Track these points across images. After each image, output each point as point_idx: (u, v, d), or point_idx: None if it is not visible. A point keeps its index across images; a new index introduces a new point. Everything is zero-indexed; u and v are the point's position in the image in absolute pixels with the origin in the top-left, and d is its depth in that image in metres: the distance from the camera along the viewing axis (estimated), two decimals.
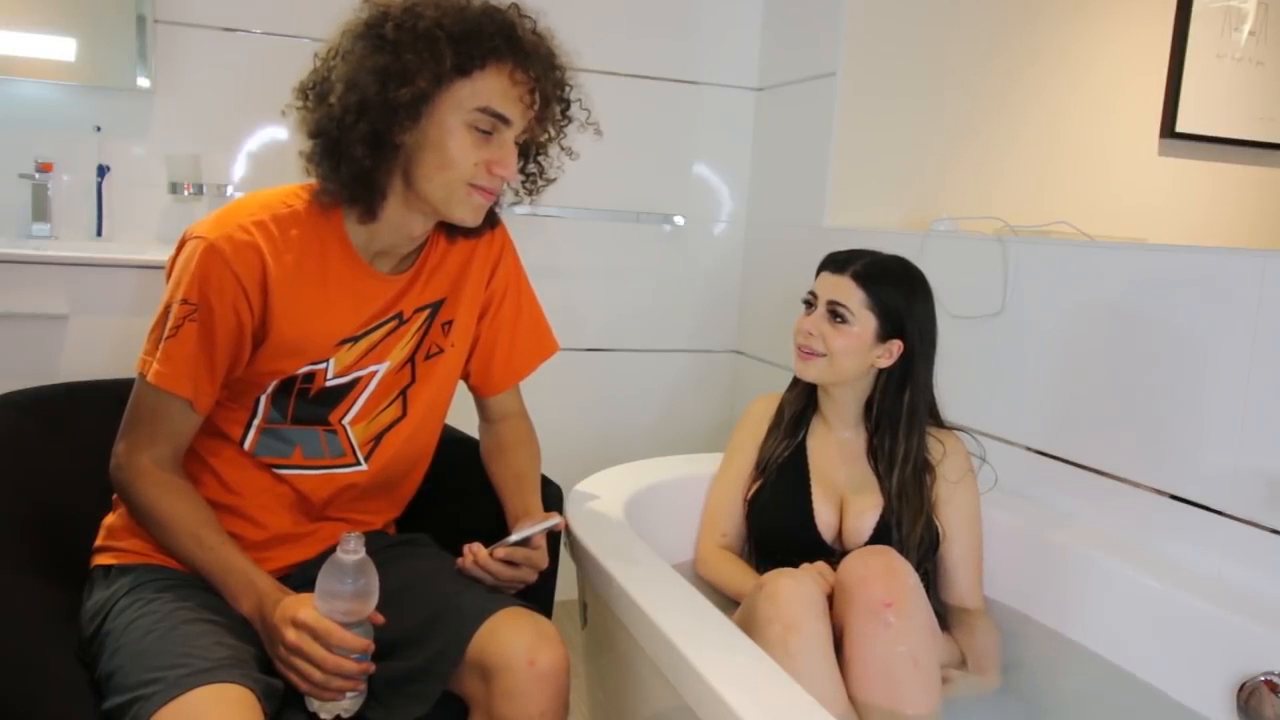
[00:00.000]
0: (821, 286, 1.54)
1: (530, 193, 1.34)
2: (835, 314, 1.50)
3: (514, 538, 1.21)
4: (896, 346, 1.51)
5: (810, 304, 1.54)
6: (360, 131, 1.14)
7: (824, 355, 1.50)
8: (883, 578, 1.30)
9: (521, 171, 1.30)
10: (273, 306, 1.18)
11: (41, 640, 1.12)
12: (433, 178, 1.18)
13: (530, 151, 1.29)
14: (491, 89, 1.16)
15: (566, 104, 1.27)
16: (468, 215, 1.22)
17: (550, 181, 1.33)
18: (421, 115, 1.15)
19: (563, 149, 1.31)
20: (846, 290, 1.50)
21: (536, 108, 1.21)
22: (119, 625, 1.10)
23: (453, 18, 1.14)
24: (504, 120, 1.17)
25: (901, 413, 1.53)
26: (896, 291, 1.51)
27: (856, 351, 1.50)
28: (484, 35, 1.14)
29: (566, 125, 1.29)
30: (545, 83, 1.21)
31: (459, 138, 1.16)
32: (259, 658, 1.09)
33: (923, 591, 1.34)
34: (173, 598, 1.12)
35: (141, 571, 1.18)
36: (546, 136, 1.27)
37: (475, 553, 1.21)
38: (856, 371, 1.52)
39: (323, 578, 1.05)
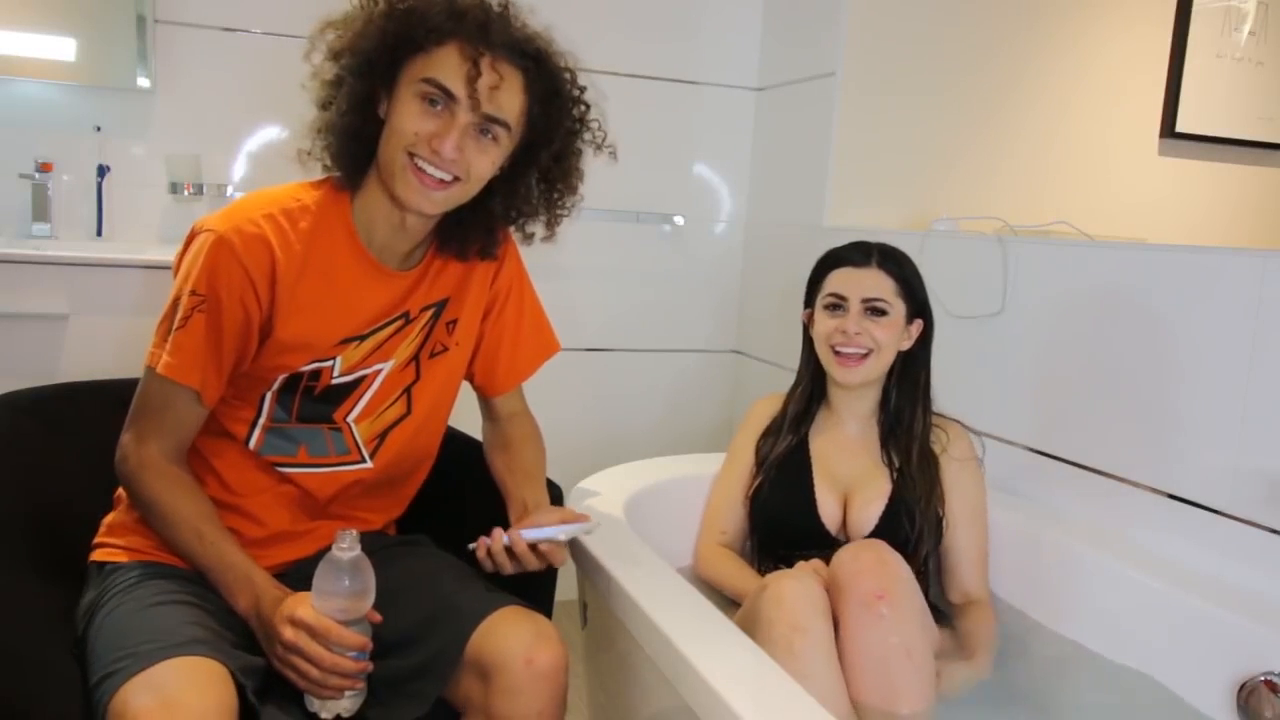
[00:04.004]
0: (846, 285, 1.51)
1: (548, 208, 1.32)
2: (875, 309, 1.49)
3: (556, 533, 1.20)
4: (917, 326, 1.54)
5: (839, 305, 1.51)
6: (346, 96, 1.19)
7: (873, 352, 1.50)
8: (874, 570, 1.31)
9: (517, 182, 1.28)
10: (280, 300, 1.19)
11: (41, 639, 1.12)
12: (385, 148, 1.19)
13: (535, 169, 1.27)
14: (439, 63, 1.16)
15: (567, 102, 1.26)
16: (409, 194, 1.18)
17: (564, 209, 1.32)
18: (392, 91, 1.18)
19: (575, 168, 1.30)
20: (879, 283, 1.50)
21: (505, 100, 1.18)
22: (103, 614, 1.11)
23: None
24: (447, 93, 1.16)
25: (918, 391, 1.55)
26: (913, 273, 1.54)
27: (896, 341, 1.51)
28: (437, 15, 1.16)
29: (577, 134, 1.28)
30: (503, 62, 1.18)
31: (407, 106, 1.17)
32: (241, 644, 1.08)
33: (915, 583, 1.34)
34: (156, 585, 1.13)
35: (142, 566, 1.18)
36: (553, 144, 1.26)
37: (512, 539, 1.19)
38: (891, 359, 1.53)
39: (319, 576, 1.05)
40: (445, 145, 1.15)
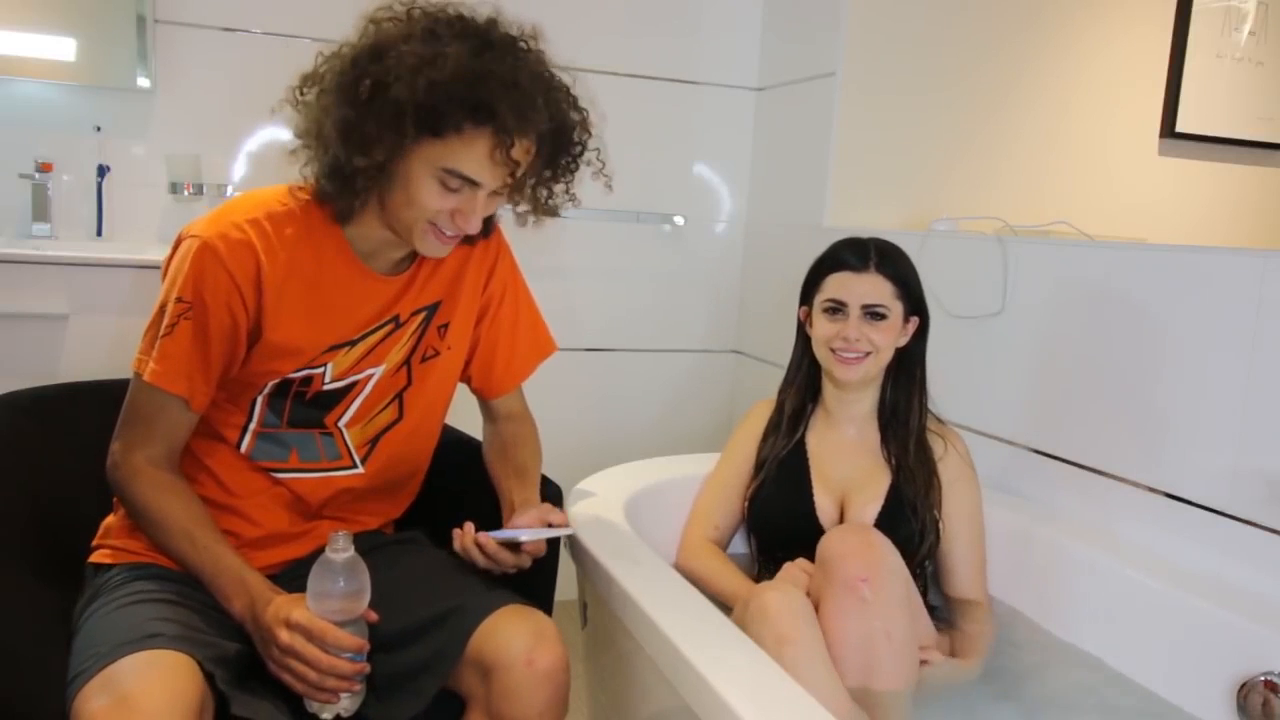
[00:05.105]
0: (845, 290, 1.51)
1: (535, 211, 1.29)
2: (875, 314, 1.49)
3: (518, 534, 1.19)
4: (913, 323, 1.54)
5: (838, 310, 1.51)
6: (332, 159, 1.14)
7: (872, 353, 1.50)
8: (860, 553, 1.31)
9: (516, 195, 1.26)
10: (267, 305, 1.18)
11: (41, 640, 1.12)
12: (399, 211, 1.17)
13: (528, 184, 1.25)
14: (461, 155, 1.12)
15: (579, 149, 1.24)
16: (429, 250, 1.21)
17: (551, 212, 1.30)
18: (386, 166, 1.14)
19: (568, 192, 1.28)
20: (877, 287, 1.50)
21: (523, 168, 1.17)
22: (86, 615, 1.12)
23: (425, 85, 1.07)
24: (473, 183, 1.14)
25: (914, 384, 1.56)
26: (910, 271, 1.54)
27: (894, 341, 1.53)
28: (455, 106, 1.09)
29: (576, 169, 1.26)
30: (534, 141, 1.16)
31: (425, 186, 1.14)
32: (225, 635, 1.08)
33: (902, 568, 1.34)
34: (137, 585, 1.13)
35: (130, 568, 1.18)
36: (548, 177, 1.24)
37: (481, 541, 1.19)
38: (889, 358, 1.53)
39: (313, 579, 1.05)
40: (470, 223, 1.17)
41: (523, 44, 1.17)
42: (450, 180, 1.14)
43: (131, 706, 0.93)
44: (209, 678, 1.01)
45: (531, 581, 1.26)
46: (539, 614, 1.16)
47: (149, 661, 0.98)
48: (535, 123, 1.14)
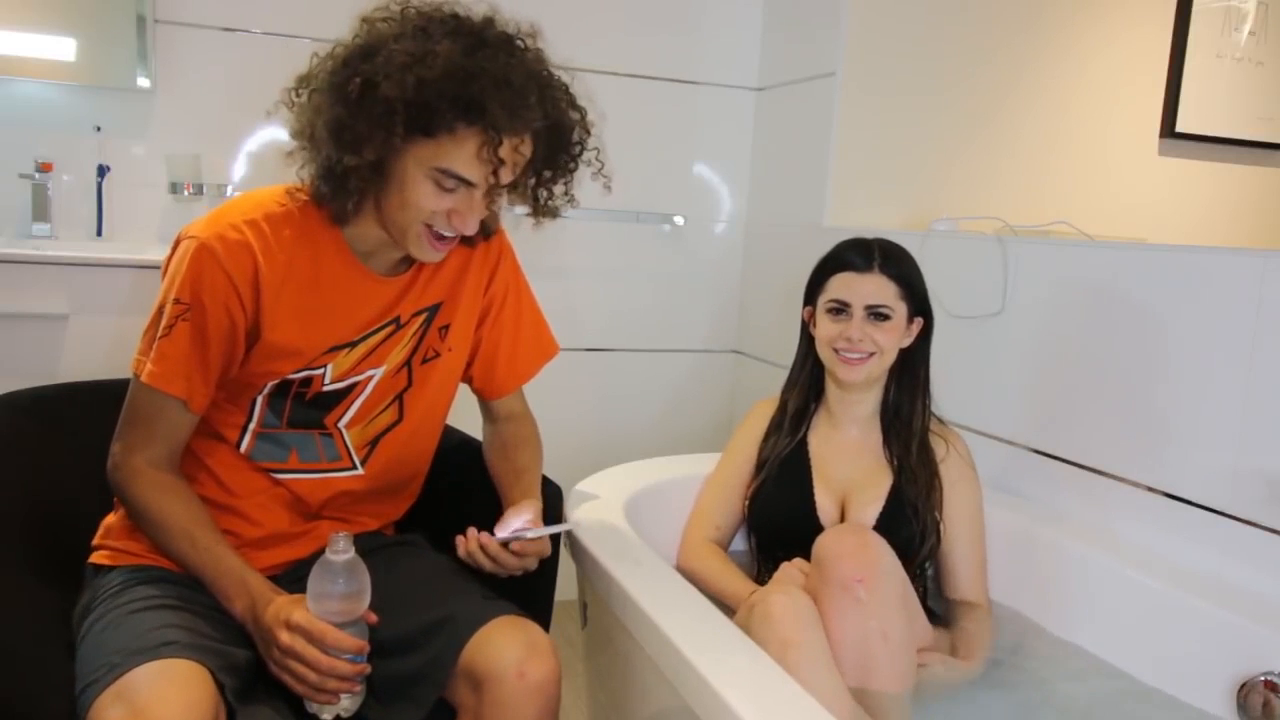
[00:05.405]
0: (848, 291, 1.51)
1: (535, 212, 1.29)
2: (879, 315, 1.49)
3: (530, 533, 1.19)
4: (917, 324, 1.54)
5: (841, 310, 1.51)
6: (325, 159, 1.14)
7: (875, 354, 1.50)
8: (855, 554, 1.31)
9: (514, 195, 1.26)
10: (265, 306, 1.18)
11: (41, 640, 1.12)
12: (394, 213, 1.17)
13: (526, 184, 1.24)
14: (454, 154, 1.11)
15: (578, 149, 1.24)
16: (424, 256, 1.20)
17: (551, 214, 1.29)
18: (380, 166, 1.13)
19: (567, 194, 1.27)
20: (882, 289, 1.50)
21: (519, 167, 1.17)
22: (90, 620, 1.11)
23: (414, 83, 1.06)
24: (466, 182, 1.14)
25: (918, 385, 1.56)
26: (915, 271, 1.54)
27: (898, 342, 1.52)
28: (446, 104, 1.07)
29: (575, 169, 1.26)
30: (530, 140, 1.15)
31: (420, 186, 1.13)
32: (230, 641, 1.08)
33: (898, 568, 1.34)
34: (140, 591, 1.13)
35: (132, 571, 1.18)
36: (547, 177, 1.24)
37: (484, 541, 1.19)
38: (893, 359, 1.53)
39: (313, 580, 1.05)
40: (467, 224, 1.16)
41: (519, 42, 1.17)
42: (445, 180, 1.13)
43: (148, 717, 0.93)
44: (219, 688, 1.01)
45: (532, 585, 1.26)
46: (533, 626, 1.15)
47: (162, 671, 0.98)
48: (528, 121, 1.14)
